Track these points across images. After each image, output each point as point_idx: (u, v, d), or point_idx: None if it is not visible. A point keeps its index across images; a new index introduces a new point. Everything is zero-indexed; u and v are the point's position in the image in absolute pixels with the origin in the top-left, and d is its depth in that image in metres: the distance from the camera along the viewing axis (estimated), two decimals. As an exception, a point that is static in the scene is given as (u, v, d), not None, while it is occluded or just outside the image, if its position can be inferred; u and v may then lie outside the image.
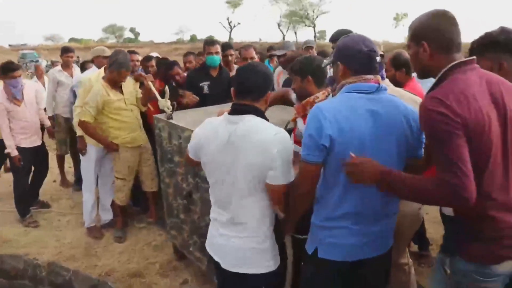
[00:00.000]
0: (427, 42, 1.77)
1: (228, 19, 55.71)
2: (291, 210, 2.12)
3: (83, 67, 6.54)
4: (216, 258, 2.22)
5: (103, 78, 4.40)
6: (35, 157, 5.20)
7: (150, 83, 4.28)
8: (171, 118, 3.47)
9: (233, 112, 2.13)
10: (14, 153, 4.89)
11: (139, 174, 4.76)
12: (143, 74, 4.56)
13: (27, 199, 5.27)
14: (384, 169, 1.78)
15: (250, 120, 2.07)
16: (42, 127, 5.48)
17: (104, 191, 4.89)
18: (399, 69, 3.40)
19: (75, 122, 4.64)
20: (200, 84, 4.56)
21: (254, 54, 4.63)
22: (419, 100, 2.36)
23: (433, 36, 1.76)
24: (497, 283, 1.79)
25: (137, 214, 5.22)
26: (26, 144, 5.04)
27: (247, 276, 2.13)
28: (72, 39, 72.51)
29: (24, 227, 5.04)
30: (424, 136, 1.95)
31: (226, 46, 5.16)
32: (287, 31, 57.41)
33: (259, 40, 52.54)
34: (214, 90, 4.53)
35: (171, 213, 3.82)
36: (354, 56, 1.96)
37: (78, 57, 17.08)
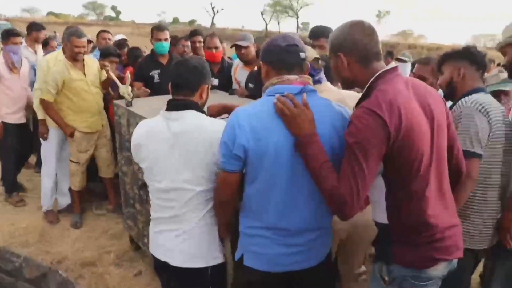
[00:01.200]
0: (343, 53, 1.76)
1: (211, 4, 55.05)
2: (217, 216, 2.09)
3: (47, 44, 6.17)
4: (163, 258, 2.16)
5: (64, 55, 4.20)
6: (18, 136, 4.97)
7: (109, 71, 4.16)
8: (131, 106, 3.37)
9: (170, 108, 2.08)
10: None
11: (96, 160, 4.63)
12: (105, 63, 4.33)
13: (14, 177, 5.14)
14: (315, 132, 1.72)
15: (191, 116, 2.03)
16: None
17: (62, 174, 4.72)
18: None
19: (35, 105, 4.44)
20: (150, 73, 4.44)
21: (218, 43, 4.51)
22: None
23: (349, 48, 1.75)
24: (433, 286, 1.82)
25: (98, 200, 5.08)
26: (11, 120, 4.84)
27: (196, 270, 2.11)
28: (50, 13, 70.59)
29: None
30: None
31: (193, 32, 5.03)
32: (270, 20, 57.15)
33: (242, 27, 52.18)
34: (166, 79, 4.33)
35: (128, 203, 3.72)
36: (272, 52, 1.86)
37: (55, 32, 16.51)
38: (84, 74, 4.26)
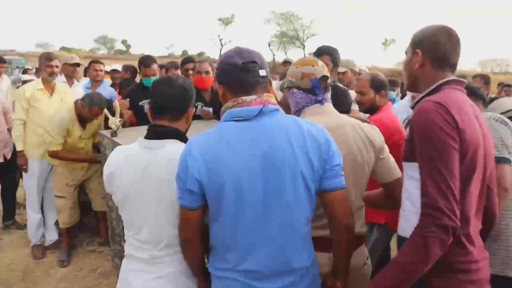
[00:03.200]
0: (421, 50, 1.70)
1: (219, 36, 55.70)
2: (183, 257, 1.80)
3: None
4: None
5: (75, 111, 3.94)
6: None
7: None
8: (115, 136, 3.16)
9: (149, 135, 1.80)
10: None
11: (88, 192, 4.36)
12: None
13: None
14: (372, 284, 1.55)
15: (173, 147, 1.75)
16: None
17: (48, 208, 4.45)
18: (379, 91, 3.07)
19: (14, 136, 4.21)
20: (140, 103, 4.19)
21: (208, 68, 4.30)
22: (366, 127, 2.03)
23: (430, 47, 1.68)
24: None
25: (90, 235, 4.78)
26: None
27: None
28: (63, 48, 71.94)
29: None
30: (335, 161, 1.61)
31: (185, 60, 4.82)
32: (277, 50, 57.67)
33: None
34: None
35: (114, 240, 3.45)
36: (228, 72, 1.60)
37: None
38: (84, 129, 4.08)
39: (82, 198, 4.39)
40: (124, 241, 3.14)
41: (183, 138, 1.82)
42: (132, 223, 1.86)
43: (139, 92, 4.27)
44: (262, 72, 1.59)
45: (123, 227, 3.09)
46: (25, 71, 11.87)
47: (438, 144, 1.46)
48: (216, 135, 1.56)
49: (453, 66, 1.70)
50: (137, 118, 4.07)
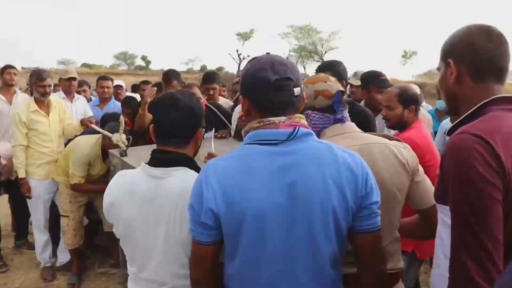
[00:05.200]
0: (453, 60, 1.34)
1: (237, 51, 55.69)
2: None
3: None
4: None
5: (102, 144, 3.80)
6: None
7: (93, 125, 3.96)
8: (125, 155, 2.98)
9: (154, 162, 1.59)
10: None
11: (98, 212, 4.18)
12: (89, 119, 4.18)
13: None
14: None
15: (182, 177, 1.54)
16: None
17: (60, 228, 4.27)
18: (408, 106, 2.81)
19: (16, 163, 4.04)
20: None
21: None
22: (397, 147, 1.76)
23: (462, 54, 1.33)
24: None
25: (102, 256, 4.58)
26: None
27: None
28: (84, 64, 72.99)
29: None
30: (372, 199, 1.37)
31: (208, 79, 4.58)
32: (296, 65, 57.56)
33: (268, 73, 52.31)
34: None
35: (125, 263, 3.28)
36: (258, 88, 1.36)
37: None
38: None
39: (94, 216, 4.23)
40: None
41: (192, 165, 1.61)
42: (134, 260, 1.66)
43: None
44: (297, 91, 1.36)
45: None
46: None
47: (475, 197, 1.12)
48: (237, 160, 1.34)
49: (500, 76, 1.32)
50: None
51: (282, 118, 1.35)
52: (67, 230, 4.03)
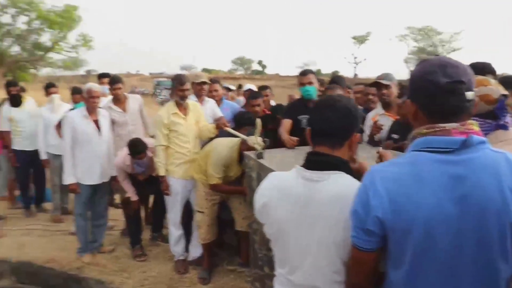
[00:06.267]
0: None
1: (353, 54, 54.80)
2: None
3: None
4: None
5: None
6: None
7: (227, 128, 4.07)
8: (261, 157, 3.05)
9: (310, 165, 1.57)
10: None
11: (231, 211, 4.33)
12: (223, 122, 4.27)
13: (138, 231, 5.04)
14: None
15: (339, 181, 1.51)
16: None
17: (194, 224, 4.55)
18: None
19: (157, 162, 4.33)
20: (299, 117, 4.10)
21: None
22: None
23: None
24: None
25: (231, 254, 4.76)
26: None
27: None
28: (204, 69, 77.13)
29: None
30: None
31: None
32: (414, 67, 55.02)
33: (385, 76, 50.76)
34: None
35: (256, 263, 3.35)
36: (427, 92, 1.28)
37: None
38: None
39: (225, 216, 4.41)
40: (267, 266, 3.04)
41: (348, 169, 1.58)
42: (285, 262, 1.66)
43: (298, 106, 4.25)
44: (470, 95, 1.27)
45: (266, 251, 2.99)
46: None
47: None
48: (405, 167, 1.29)
49: None
50: (295, 132, 3.94)
51: (454, 125, 1.27)
52: (201, 226, 4.24)
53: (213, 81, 5.43)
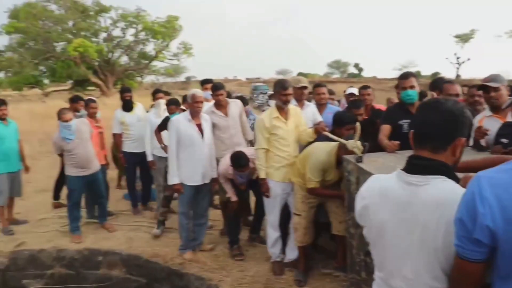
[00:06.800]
0: None
1: (455, 54, 51.72)
2: None
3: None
4: None
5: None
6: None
7: (326, 132, 4.02)
8: (361, 161, 3.04)
9: (411, 169, 1.55)
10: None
11: (329, 214, 4.32)
12: (322, 127, 4.24)
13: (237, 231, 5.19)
14: None
15: (440, 186, 1.47)
16: None
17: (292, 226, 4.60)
18: None
19: (258, 164, 4.45)
20: (399, 122, 3.97)
21: (459, 91, 3.87)
22: None
23: None
24: None
25: (326, 258, 4.75)
26: None
27: None
28: (300, 73, 77.36)
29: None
30: None
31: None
32: (525, 67, 50.52)
33: (488, 76, 47.14)
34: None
35: (353, 268, 3.33)
36: None
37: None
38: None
39: (322, 219, 4.42)
40: (364, 271, 3.02)
41: (451, 174, 1.53)
42: (384, 265, 1.66)
43: (399, 110, 4.14)
44: None
45: (364, 256, 2.98)
46: (270, 96, 13.00)
47: None
48: None
49: None
50: (396, 137, 3.82)
51: None
52: (298, 228, 4.29)
53: (320, 85, 5.47)
